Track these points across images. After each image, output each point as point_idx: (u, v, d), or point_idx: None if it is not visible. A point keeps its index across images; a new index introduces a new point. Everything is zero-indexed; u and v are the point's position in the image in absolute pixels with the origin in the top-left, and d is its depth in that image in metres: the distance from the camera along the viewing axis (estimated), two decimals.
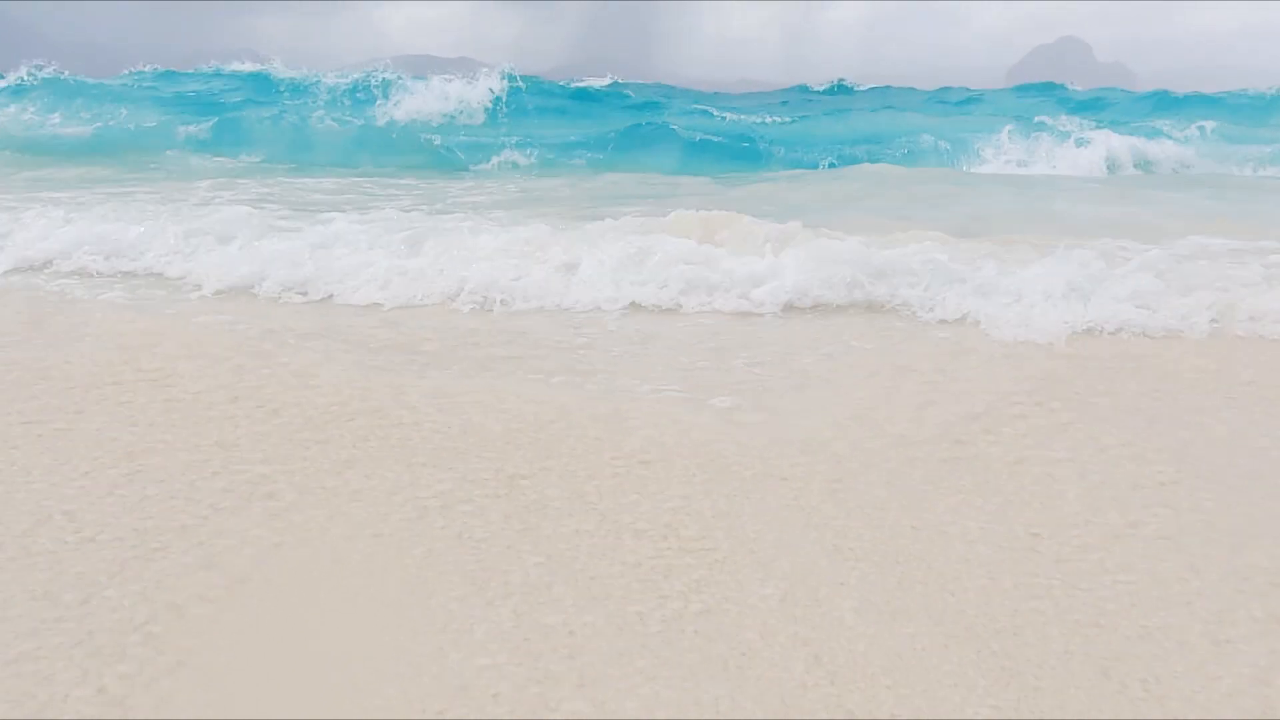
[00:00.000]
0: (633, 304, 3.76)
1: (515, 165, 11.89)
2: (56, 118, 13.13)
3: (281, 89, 14.16)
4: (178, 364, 2.95)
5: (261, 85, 14.73)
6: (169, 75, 16.56)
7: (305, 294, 3.88)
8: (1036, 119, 14.47)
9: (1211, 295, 3.54)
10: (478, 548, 1.93)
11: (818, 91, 21.42)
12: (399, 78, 13.43)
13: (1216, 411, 2.72)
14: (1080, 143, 12.46)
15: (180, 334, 3.31)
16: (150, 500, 2.09)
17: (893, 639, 1.65)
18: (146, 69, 16.80)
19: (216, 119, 12.71)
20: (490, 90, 13.28)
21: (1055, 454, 2.39)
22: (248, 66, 16.14)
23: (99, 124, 12.86)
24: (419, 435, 2.44)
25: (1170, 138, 13.72)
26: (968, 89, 20.94)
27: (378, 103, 13.01)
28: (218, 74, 15.86)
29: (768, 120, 15.29)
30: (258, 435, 2.42)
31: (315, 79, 14.21)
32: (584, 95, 14.99)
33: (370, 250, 4.20)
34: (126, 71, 16.93)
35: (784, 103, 20.70)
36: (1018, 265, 3.98)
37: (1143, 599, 1.77)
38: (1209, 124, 14.39)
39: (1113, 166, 12.44)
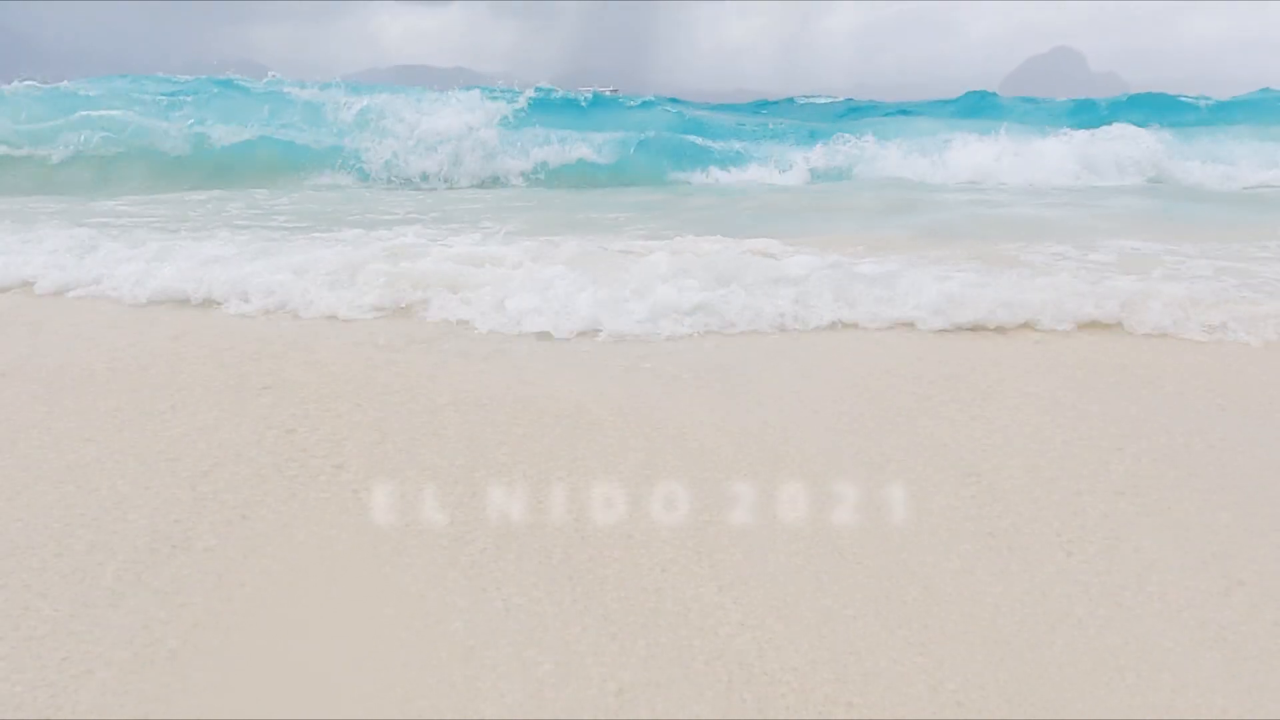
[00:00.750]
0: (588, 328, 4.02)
1: (506, 181, 12.55)
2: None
3: (259, 100, 14.22)
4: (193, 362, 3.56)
5: (238, 91, 14.61)
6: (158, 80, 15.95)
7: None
8: (1040, 128, 14.94)
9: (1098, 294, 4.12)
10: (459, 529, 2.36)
11: (815, 103, 22.02)
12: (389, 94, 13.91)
13: (1091, 391, 3.26)
14: (1054, 148, 13.05)
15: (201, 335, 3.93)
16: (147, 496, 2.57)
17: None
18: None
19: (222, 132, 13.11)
20: (494, 115, 13.75)
21: (947, 423, 2.95)
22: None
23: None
24: (409, 410, 3.01)
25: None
26: (985, 91, 21.32)
27: (378, 119, 13.50)
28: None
29: (770, 125, 15.88)
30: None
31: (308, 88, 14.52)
32: (580, 105, 15.60)
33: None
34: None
35: (790, 108, 21.40)
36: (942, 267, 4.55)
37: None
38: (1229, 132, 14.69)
39: (1101, 173, 13.01)
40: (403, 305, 4.29)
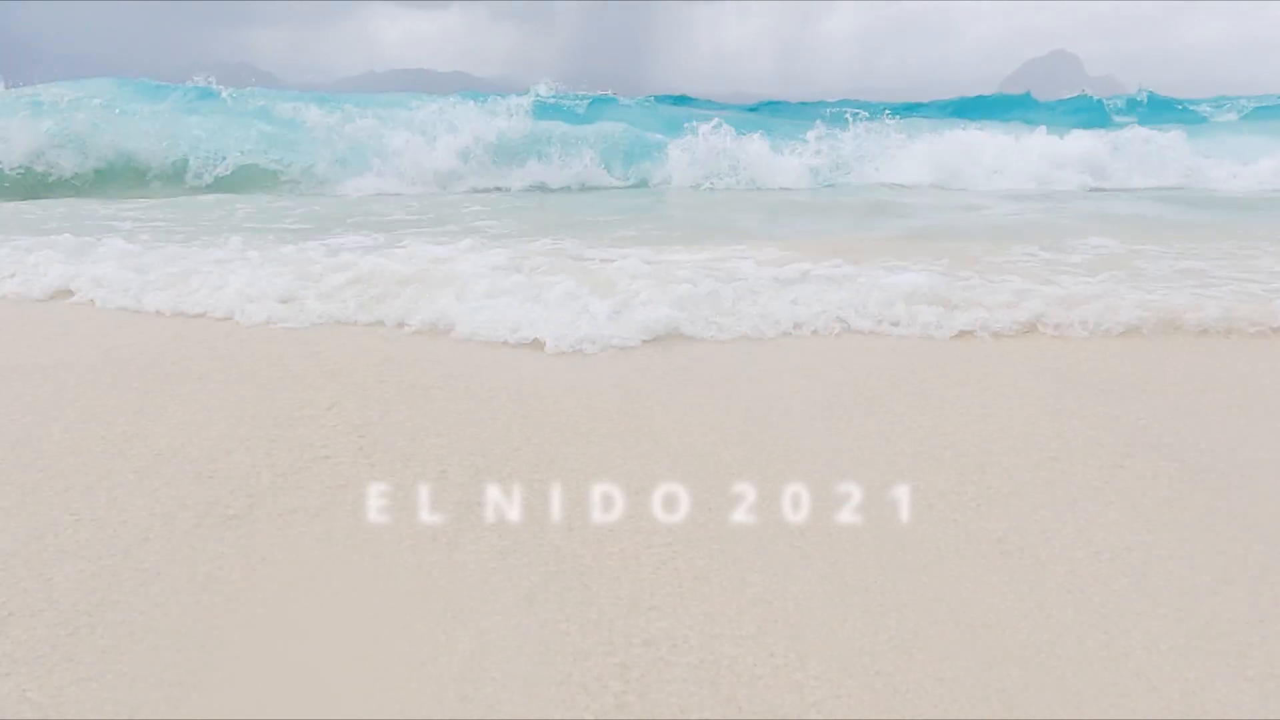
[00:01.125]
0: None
1: (505, 185, 12.75)
2: None
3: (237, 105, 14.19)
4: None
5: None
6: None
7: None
8: (1045, 128, 15.03)
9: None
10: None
11: (814, 105, 22.26)
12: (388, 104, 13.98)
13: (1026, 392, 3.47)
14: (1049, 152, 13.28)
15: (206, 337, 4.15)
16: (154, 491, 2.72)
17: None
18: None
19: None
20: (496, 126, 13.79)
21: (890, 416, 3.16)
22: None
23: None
24: (410, 407, 3.19)
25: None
26: (997, 95, 21.43)
27: (376, 129, 13.55)
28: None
29: (768, 126, 16.05)
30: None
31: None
32: (578, 109, 15.80)
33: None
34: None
35: (789, 109, 21.64)
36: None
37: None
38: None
39: (1108, 174, 13.22)
40: (396, 307, 4.45)
